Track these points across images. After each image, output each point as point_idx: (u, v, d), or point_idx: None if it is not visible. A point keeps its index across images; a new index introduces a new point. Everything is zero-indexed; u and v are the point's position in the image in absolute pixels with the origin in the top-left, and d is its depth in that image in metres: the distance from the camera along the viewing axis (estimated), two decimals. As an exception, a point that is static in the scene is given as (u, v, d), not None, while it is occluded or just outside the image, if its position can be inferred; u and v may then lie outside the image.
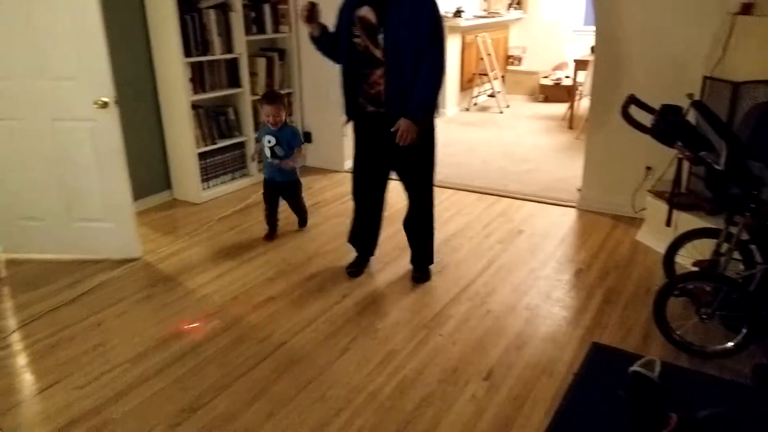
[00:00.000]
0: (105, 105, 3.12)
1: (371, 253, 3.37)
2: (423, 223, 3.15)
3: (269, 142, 3.58)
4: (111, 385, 2.37)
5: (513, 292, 3.07)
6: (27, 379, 2.43)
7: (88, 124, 3.18)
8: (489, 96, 7.82)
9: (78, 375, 2.43)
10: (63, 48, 3.06)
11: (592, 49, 5.40)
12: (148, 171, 4.23)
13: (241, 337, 2.68)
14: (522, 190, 4.56)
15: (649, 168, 3.82)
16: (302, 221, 3.91)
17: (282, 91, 4.87)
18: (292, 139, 3.63)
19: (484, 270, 3.30)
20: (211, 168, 4.46)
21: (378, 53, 2.80)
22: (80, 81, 3.11)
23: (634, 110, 2.68)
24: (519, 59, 8.55)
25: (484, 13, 7.84)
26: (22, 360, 2.55)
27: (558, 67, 8.17)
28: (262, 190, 3.81)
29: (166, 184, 4.40)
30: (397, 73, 2.79)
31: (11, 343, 2.66)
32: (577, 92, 6.58)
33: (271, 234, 3.77)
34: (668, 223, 3.32)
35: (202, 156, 4.33)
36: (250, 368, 2.47)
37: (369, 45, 2.81)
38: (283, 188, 3.76)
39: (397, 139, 2.83)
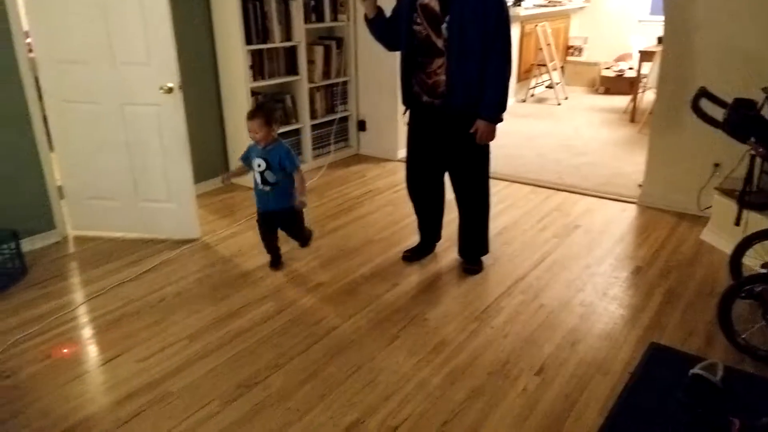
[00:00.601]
0: (170, 90, 3.22)
1: (433, 244, 3.36)
2: (477, 215, 3.12)
3: (259, 166, 2.96)
4: (171, 359, 2.46)
5: (567, 287, 3.01)
6: (92, 351, 2.55)
7: (154, 109, 3.29)
8: (547, 87, 7.64)
9: (139, 349, 2.54)
10: (133, 35, 3.18)
11: (660, 39, 5.20)
12: (208, 155, 4.35)
13: (293, 320, 2.74)
14: (579, 184, 4.45)
15: (717, 165, 3.66)
16: (304, 243, 3.36)
17: (338, 80, 4.93)
18: (285, 160, 2.97)
19: (538, 264, 3.25)
20: (268, 154, 4.54)
21: (439, 43, 2.78)
22: (149, 67, 3.22)
23: (704, 104, 2.57)
24: (579, 50, 8.31)
25: (544, 2, 7.65)
26: (88, 332, 2.68)
27: (621, 58, 7.90)
28: (256, 217, 3.23)
29: (225, 168, 4.51)
30: (459, 65, 2.76)
31: (78, 315, 2.80)
32: (641, 84, 6.35)
33: (276, 263, 3.23)
34: (737, 223, 3.17)
35: (259, 142, 4.42)
36: (302, 350, 2.52)
37: (430, 34, 2.79)
38: (281, 218, 3.13)
39: (477, 140, 2.85)
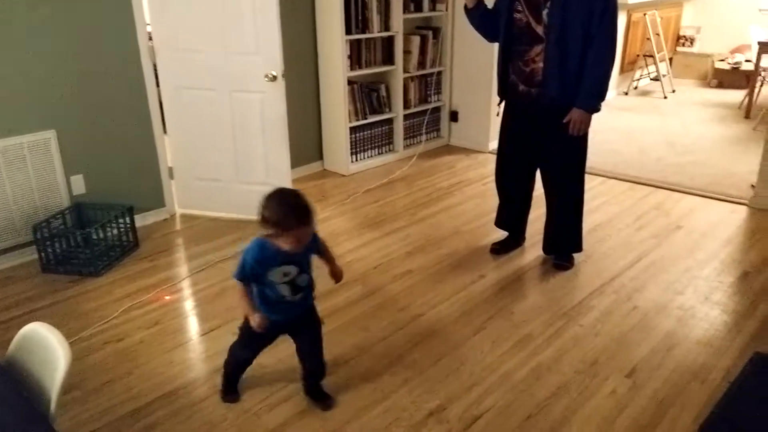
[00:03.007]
0: (274, 78, 3.37)
1: (521, 238, 3.32)
2: (570, 210, 3.04)
3: (286, 275, 2.00)
4: (264, 334, 2.59)
5: (665, 290, 2.87)
6: (194, 321, 2.74)
7: (259, 96, 3.46)
8: (652, 79, 7.24)
9: (238, 321, 2.61)
10: (245, 26, 3.35)
11: (783, 29, 4.78)
12: (304, 141, 4.51)
13: (380, 305, 2.80)
14: (683, 182, 4.21)
15: (844, 166, 3.34)
16: (321, 375, 2.24)
17: (433, 70, 4.94)
18: (316, 243, 2.11)
19: (633, 264, 3.11)
20: (360, 142, 4.64)
21: (540, 30, 2.72)
22: (257, 56, 3.39)
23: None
24: (691, 40, 7.80)
25: (654, -11, 7.23)
26: (190, 304, 2.88)
27: (737, 50, 7.34)
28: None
29: (319, 154, 4.66)
30: (559, 53, 2.70)
31: (182, 288, 3.01)
32: (759, 78, 5.88)
33: (235, 392, 2.25)
34: None
35: (353, 130, 4.52)
36: (388, 335, 2.57)
37: (531, 20, 2.74)
38: (302, 321, 2.17)
39: (570, 130, 2.77)
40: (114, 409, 2.16)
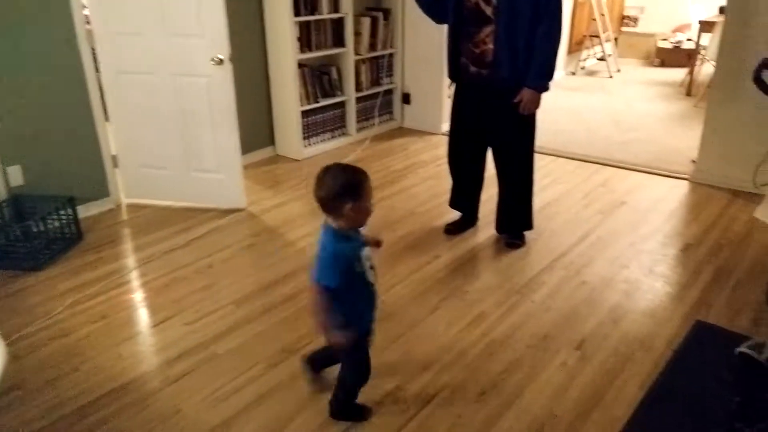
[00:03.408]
0: (220, 62, 3.28)
1: (474, 218, 3.36)
2: (521, 189, 3.08)
3: (367, 258, 1.83)
4: (217, 323, 2.55)
5: (611, 264, 2.96)
6: (144, 313, 2.67)
7: (205, 80, 3.37)
8: (598, 59, 7.40)
9: (188, 312, 2.64)
10: (186, 7, 3.24)
11: (721, 9, 4.94)
12: (254, 127, 4.42)
13: (335, 289, 2.79)
14: (628, 159, 4.33)
15: (776, 140, 3.50)
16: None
17: (384, 52, 4.91)
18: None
19: (581, 240, 3.19)
20: (313, 126, 4.58)
21: (489, 11, 2.73)
22: (200, 38, 3.28)
23: (767, 75, 2.45)
24: (635, 20, 7.99)
25: (599, -29, 7.36)
26: (139, 295, 2.80)
27: (679, 29, 7.56)
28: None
29: (270, 140, 4.58)
30: (508, 34, 2.72)
31: (130, 280, 2.93)
32: (699, 56, 6.08)
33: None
34: (794, 201, 3.04)
35: (304, 114, 4.46)
36: (343, 318, 2.57)
37: (480, 1, 2.74)
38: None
39: (521, 110, 2.81)
40: (61, 406, 2.09)
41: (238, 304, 2.68)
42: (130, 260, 3.11)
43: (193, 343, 2.43)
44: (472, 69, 2.88)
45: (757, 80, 2.46)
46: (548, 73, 2.80)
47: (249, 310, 2.63)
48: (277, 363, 2.30)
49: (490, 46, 2.77)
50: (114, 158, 3.68)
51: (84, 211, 3.47)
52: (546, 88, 2.82)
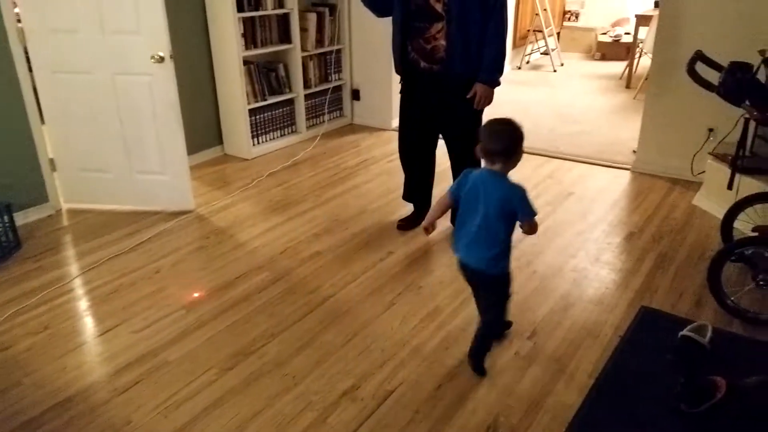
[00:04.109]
0: (161, 60, 3.18)
1: (426, 212, 3.34)
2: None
3: None
4: (168, 329, 2.49)
5: (560, 254, 3.03)
6: (89, 322, 2.57)
7: (146, 79, 3.26)
8: (542, 54, 7.56)
9: (136, 319, 2.56)
10: (123, 2, 3.12)
11: (656, 3, 5.12)
12: (201, 126, 4.32)
13: (289, 289, 2.76)
14: (573, 151, 4.44)
15: (711, 129, 3.65)
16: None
17: (331, 48, 4.88)
18: None
19: (532, 231, 3.26)
20: (261, 124, 4.51)
21: (438, 7, 2.75)
22: (139, 35, 3.18)
23: (700, 67, 2.55)
24: (576, 15, 8.21)
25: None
26: (84, 304, 2.70)
27: (617, 23, 7.81)
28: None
29: (218, 139, 4.48)
30: (461, 30, 2.75)
31: (74, 288, 2.82)
32: (638, 49, 6.29)
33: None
34: (730, 187, 3.18)
35: (252, 112, 4.38)
36: (298, 319, 2.54)
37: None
38: None
39: (475, 105, 2.84)
40: (4, 423, 1.99)
41: (188, 309, 2.62)
42: (73, 267, 2.98)
43: (142, 351, 2.36)
44: (423, 65, 2.89)
45: (691, 72, 2.56)
46: (499, 67, 2.86)
47: (199, 315, 2.57)
48: (231, 367, 2.25)
49: (442, 42, 2.79)
50: (52, 162, 3.52)
51: (22, 218, 3.31)
52: (498, 83, 2.87)
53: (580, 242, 3.14)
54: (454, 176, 3.16)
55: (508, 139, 2.04)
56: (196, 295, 2.71)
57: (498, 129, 2.07)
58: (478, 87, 2.83)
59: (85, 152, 3.48)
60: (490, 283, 2.14)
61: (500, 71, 2.87)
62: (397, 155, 3.32)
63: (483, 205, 2.02)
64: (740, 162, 3.13)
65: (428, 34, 2.82)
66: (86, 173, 3.54)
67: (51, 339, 2.43)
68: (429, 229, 2.24)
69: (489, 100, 2.89)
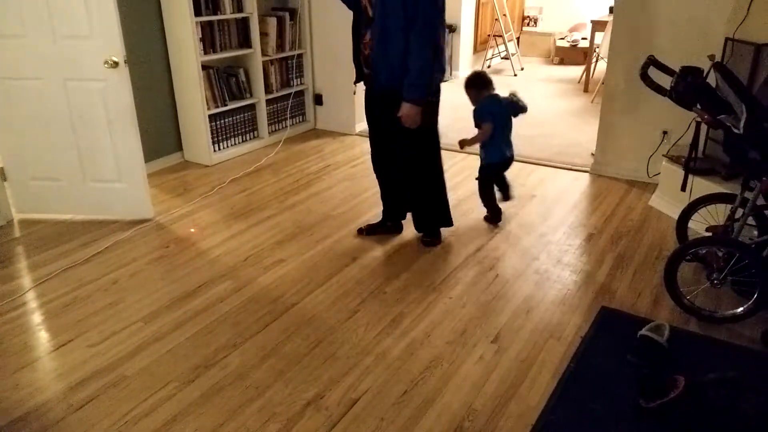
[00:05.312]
0: (115, 65, 3.10)
1: (392, 218, 3.29)
2: (429, 189, 3.09)
3: None
4: (125, 342, 2.41)
5: (523, 256, 3.06)
6: (42, 337, 2.48)
7: (100, 85, 3.17)
8: (503, 58, 7.67)
9: (93, 333, 2.48)
10: (74, 6, 3.03)
11: (611, 9, 5.24)
12: (160, 132, 4.23)
13: (252, 298, 2.71)
14: (534, 154, 4.51)
15: (665, 132, 3.76)
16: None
17: (293, 53, 4.84)
18: None
19: (495, 234, 3.29)
20: (222, 130, 4.44)
21: (370, 11, 2.64)
22: (91, 40, 3.08)
23: (653, 72, 2.61)
24: (535, 20, 8.36)
25: (499, -28, 7.61)
26: (37, 318, 2.60)
27: (574, 29, 7.98)
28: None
29: (178, 145, 4.40)
30: (381, 38, 2.60)
31: (27, 301, 2.71)
32: (594, 54, 6.44)
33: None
34: (683, 188, 3.26)
35: (212, 118, 4.31)
36: (261, 328, 2.50)
37: (366, 2, 2.65)
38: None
39: (402, 124, 2.72)
40: (-52, 448, 1.90)
41: (147, 321, 2.55)
42: (25, 280, 2.88)
43: (98, 365, 2.28)
44: (366, 71, 2.81)
45: (644, 77, 2.62)
46: (425, 84, 2.61)
47: (159, 327, 2.51)
48: (192, 380, 2.20)
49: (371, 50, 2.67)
50: (2, 171, 3.40)
51: (-32, 230, 3.18)
52: (423, 101, 2.65)
53: (542, 244, 3.18)
54: (409, 184, 3.06)
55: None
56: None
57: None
58: (403, 106, 2.62)
59: (37, 160, 3.36)
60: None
61: (425, 87, 2.62)
62: (361, 160, 3.30)
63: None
64: (693, 164, 3.22)
65: (364, 39, 2.69)
66: (38, 182, 3.42)
67: (2, 355, 2.34)
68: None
69: (418, 118, 2.66)
